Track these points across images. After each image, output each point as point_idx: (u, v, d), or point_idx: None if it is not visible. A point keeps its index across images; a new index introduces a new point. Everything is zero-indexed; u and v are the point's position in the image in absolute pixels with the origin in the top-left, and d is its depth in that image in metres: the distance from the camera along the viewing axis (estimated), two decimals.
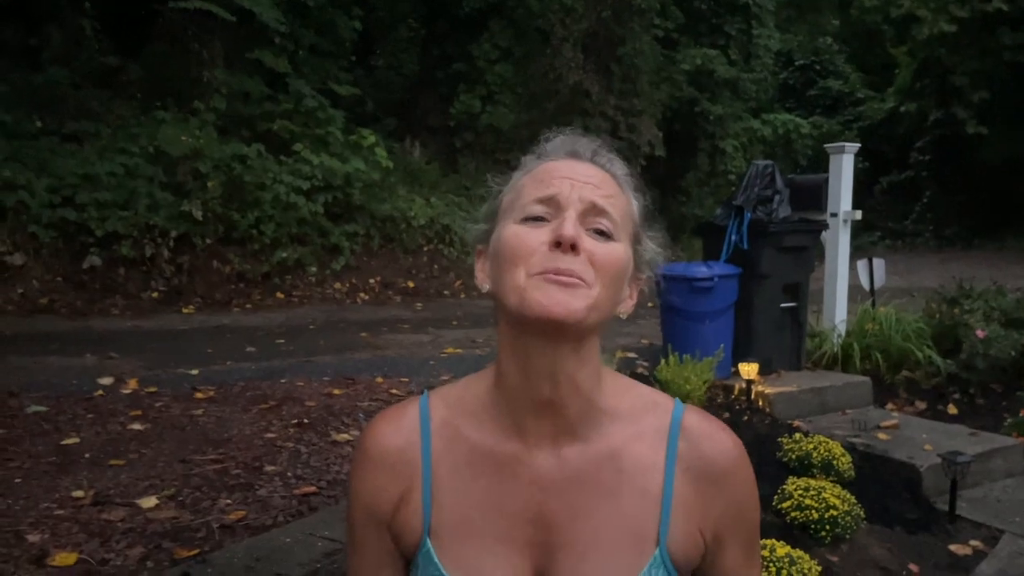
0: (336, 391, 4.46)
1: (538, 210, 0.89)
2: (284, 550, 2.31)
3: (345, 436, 3.61)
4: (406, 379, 4.84)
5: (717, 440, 0.97)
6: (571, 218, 0.87)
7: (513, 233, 0.89)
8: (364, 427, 1.01)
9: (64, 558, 2.31)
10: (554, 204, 0.89)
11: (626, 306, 0.95)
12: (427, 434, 0.97)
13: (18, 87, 9.58)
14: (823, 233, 5.80)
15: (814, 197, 5.94)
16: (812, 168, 13.87)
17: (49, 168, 8.35)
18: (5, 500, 2.77)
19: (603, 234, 0.89)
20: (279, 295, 9.16)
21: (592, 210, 0.89)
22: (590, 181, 0.91)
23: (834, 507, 3.41)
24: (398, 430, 0.98)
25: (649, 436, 0.95)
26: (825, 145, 6.09)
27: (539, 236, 0.87)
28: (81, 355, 5.70)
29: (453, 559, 0.93)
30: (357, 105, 12.37)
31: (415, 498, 0.95)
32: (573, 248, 0.85)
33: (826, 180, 5.93)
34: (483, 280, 0.96)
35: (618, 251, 0.90)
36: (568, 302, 0.84)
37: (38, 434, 3.60)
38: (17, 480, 2.99)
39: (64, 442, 3.48)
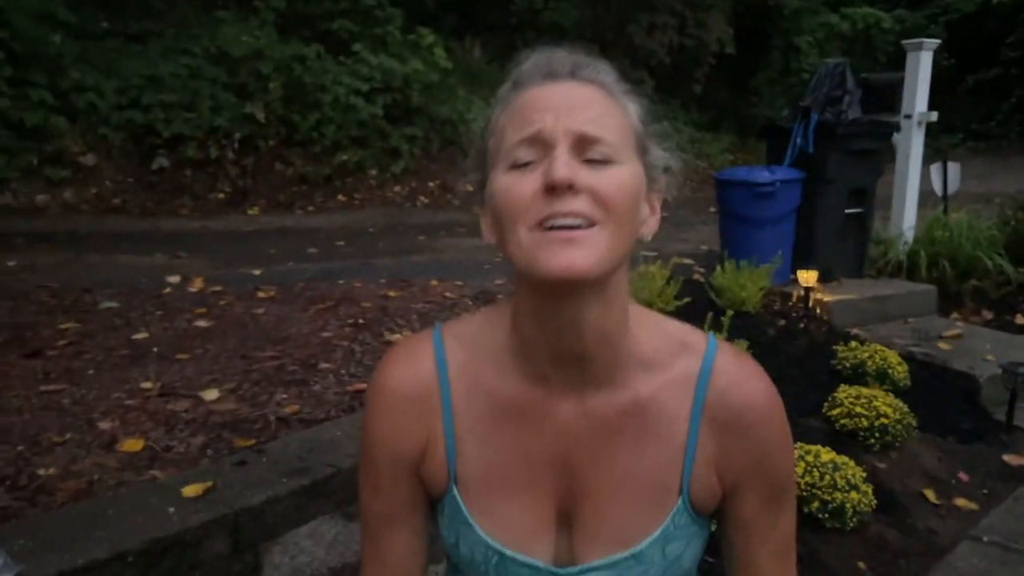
0: (392, 293, 4.54)
1: (524, 154, 0.81)
2: (334, 442, 2.42)
3: (398, 336, 3.70)
4: (460, 282, 4.90)
5: (746, 390, 0.92)
6: (561, 156, 0.78)
7: (502, 185, 0.81)
8: (378, 366, 0.99)
9: (132, 444, 2.46)
10: (540, 143, 0.80)
11: (649, 226, 0.88)
12: (445, 380, 0.94)
13: None
14: (895, 135, 5.56)
15: (888, 97, 5.68)
16: (893, 66, 13.13)
17: (116, 69, 8.49)
18: (79, 390, 2.94)
19: (601, 162, 0.80)
20: (340, 197, 9.27)
21: (582, 140, 0.80)
22: (575, 104, 0.81)
23: (885, 415, 3.40)
24: (416, 374, 0.95)
25: (677, 384, 0.92)
26: (902, 41, 5.75)
27: (531, 183, 0.79)
28: (151, 254, 5.91)
29: (479, 506, 0.93)
30: (416, 3, 12.11)
31: (439, 445, 0.94)
32: (572, 188, 0.77)
33: (902, 79, 5.64)
34: (488, 237, 0.90)
35: (622, 176, 0.81)
36: (579, 258, 0.77)
37: (110, 329, 3.78)
38: (90, 372, 3.16)
39: (134, 337, 3.65)
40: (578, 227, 0.78)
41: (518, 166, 0.81)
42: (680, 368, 0.92)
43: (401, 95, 9.80)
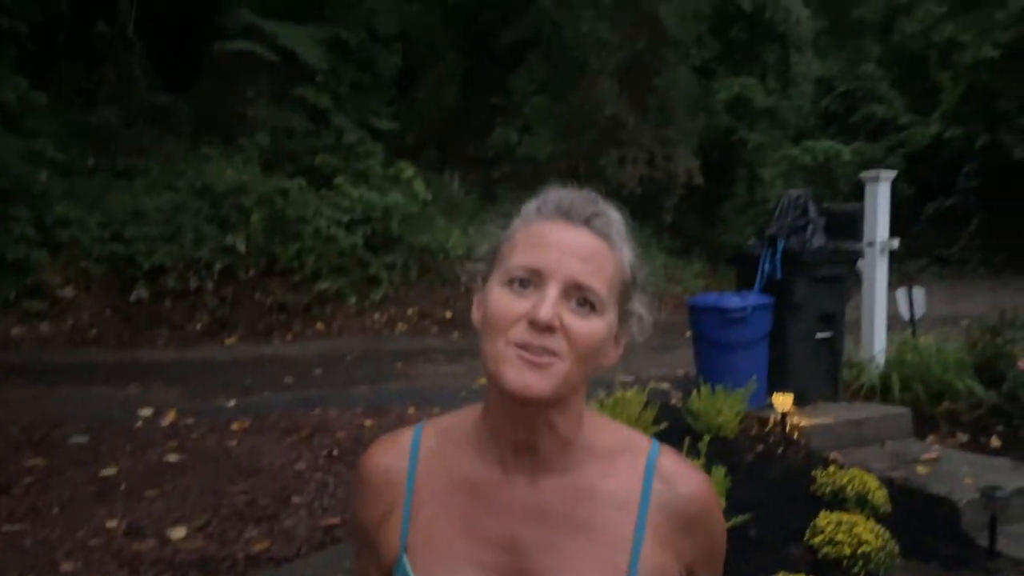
0: (367, 422, 4.52)
1: (524, 275, 0.92)
2: None
3: None
4: (438, 409, 4.88)
5: (691, 480, 1.01)
6: (551, 297, 0.89)
7: (499, 298, 0.92)
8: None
9: None
10: (538, 275, 0.91)
11: (609, 360, 0.98)
12: (414, 459, 1.03)
13: (73, 126, 9.98)
14: (860, 262, 5.73)
15: (850, 225, 5.87)
16: (855, 195, 13.68)
17: (101, 204, 8.66)
18: (43, 530, 2.86)
19: (585, 308, 0.91)
20: (319, 326, 9.30)
21: (574, 286, 0.91)
22: (578, 253, 0.92)
23: (867, 542, 3.35)
24: (388, 453, 1.05)
25: (625, 474, 0.99)
26: (861, 174, 6.03)
27: (521, 307, 0.90)
28: (125, 386, 5.86)
29: (425, 575, 0.97)
30: (397, 138, 12.58)
31: (396, 516, 1.01)
32: (551, 328, 0.89)
33: (862, 208, 5.86)
34: (477, 320, 0.99)
35: (597, 326, 0.92)
36: (536, 383, 0.88)
37: (78, 464, 3.71)
38: (55, 510, 3.08)
39: (102, 473, 3.59)
40: (545, 356, 0.89)
41: (515, 284, 0.92)
42: (628, 461, 1.00)
43: (381, 225, 10.03)
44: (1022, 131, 15.88)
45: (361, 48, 12.27)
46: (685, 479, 1.00)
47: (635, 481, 0.99)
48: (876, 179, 5.78)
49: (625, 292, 0.97)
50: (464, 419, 1.05)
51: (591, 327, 0.91)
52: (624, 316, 0.98)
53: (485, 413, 1.00)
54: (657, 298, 1.05)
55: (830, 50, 18.38)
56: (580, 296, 0.91)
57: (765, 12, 14.43)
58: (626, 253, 0.98)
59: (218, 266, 8.88)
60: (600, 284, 0.92)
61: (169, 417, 4.62)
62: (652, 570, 0.96)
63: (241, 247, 8.96)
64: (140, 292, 8.52)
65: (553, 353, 0.89)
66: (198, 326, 8.69)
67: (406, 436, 1.06)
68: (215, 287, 8.93)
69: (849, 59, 20.12)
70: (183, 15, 11.56)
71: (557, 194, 0.99)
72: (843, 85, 20.06)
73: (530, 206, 1.00)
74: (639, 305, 1.01)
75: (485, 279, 0.99)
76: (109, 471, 3.58)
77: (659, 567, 0.97)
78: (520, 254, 0.93)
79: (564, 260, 0.91)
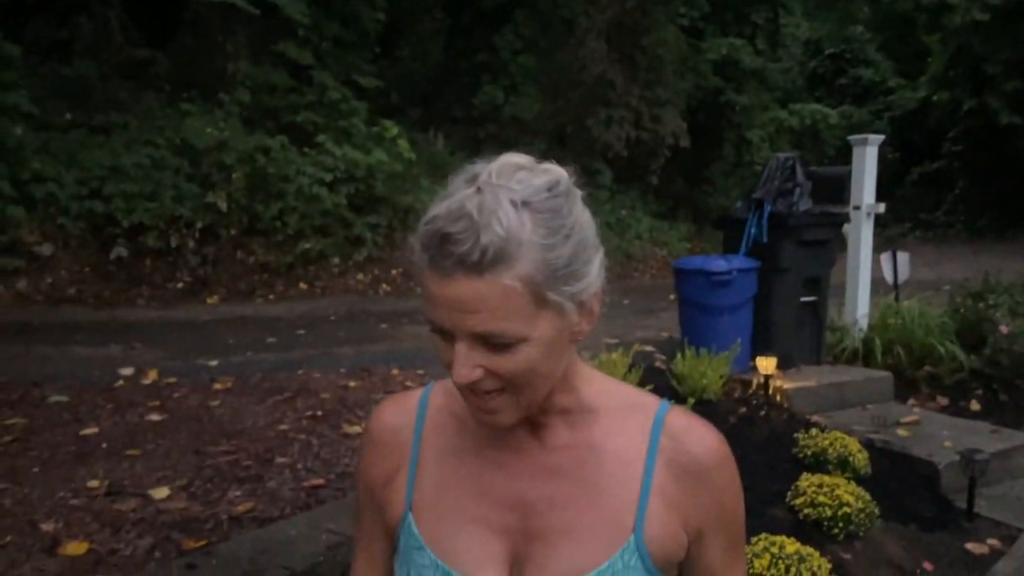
0: (351, 383, 4.49)
1: (437, 327, 0.86)
2: (289, 542, 2.34)
3: (357, 428, 3.64)
4: (422, 371, 4.87)
5: (700, 437, 0.98)
6: (461, 356, 0.84)
7: (435, 341, 0.89)
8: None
9: (75, 547, 2.36)
10: (445, 331, 0.85)
11: (583, 330, 0.90)
12: (422, 418, 1.03)
13: (48, 80, 9.73)
14: (845, 226, 5.73)
15: (837, 189, 5.86)
16: (840, 159, 13.66)
17: (78, 160, 8.49)
18: (22, 489, 2.83)
19: (504, 345, 0.84)
20: (302, 286, 9.23)
21: (479, 337, 0.83)
22: (463, 308, 0.82)
23: (848, 504, 3.39)
24: (396, 413, 1.05)
25: (632, 431, 0.97)
26: (848, 137, 6.00)
27: (449, 355, 0.87)
28: (105, 345, 5.80)
29: (430, 533, 0.97)
30: (381, 96, 12.40)
31: (401, 475, 1.01)
32: (471, 385, 0.86)
33: (849, 172, 5.85)
34: None
35: (523, 356, 0.85)
36: (497, 419, 0.90)
37: (58, 424, 3.67)
38: (35, 469, 3.05)
39: (83, 432, 3.55)
40: (490, 401, 0.88)
41: (437, 332, 0.87)
42: (635, 418, 0.99)
43: (364, 185, 9.92)
44: (1009, 96, 15.84)
45: (344, 3, 12.04)
46: (693, 435, 0.97)
47: (643, 438, 0.97)
48: (864, 143, 5.76)
49: (544, 297, 0.84)
50: None
51: (517, 359, 0.85)
52: (566, 301, 0.86)
53: None
54: (600, 248, 0.92)
55: (819, 12, 18.23)
56: (490, 340, 0.84)
57: None
58: (526, 259, 0.82)
59: (199, 225, 8.76)
60: (501, 324, 0.83)
61: (150, 376, 4.57)
62: (658, 529, 0.94)
63: (222, 205, 8.84)
64: (120, 250, 8.40)
65: (497, 391, 0.87)
66: (179, 285, 8.59)
67: (414, 395, 1.07)
68: (196, 246, 8.82)
69: (838, 21, 19.98)
70: None
71: (427, 232, 0.84)
72: (831, 47, 19.97)
73: (414, 244, 0.87)
74: (584, 281, 0.87)
75: None
76: (90, 430, 3.55)
77: (665, 526, 0.95)
78: (426, 306, 0.87)
79: (455, 318, 0.83)
